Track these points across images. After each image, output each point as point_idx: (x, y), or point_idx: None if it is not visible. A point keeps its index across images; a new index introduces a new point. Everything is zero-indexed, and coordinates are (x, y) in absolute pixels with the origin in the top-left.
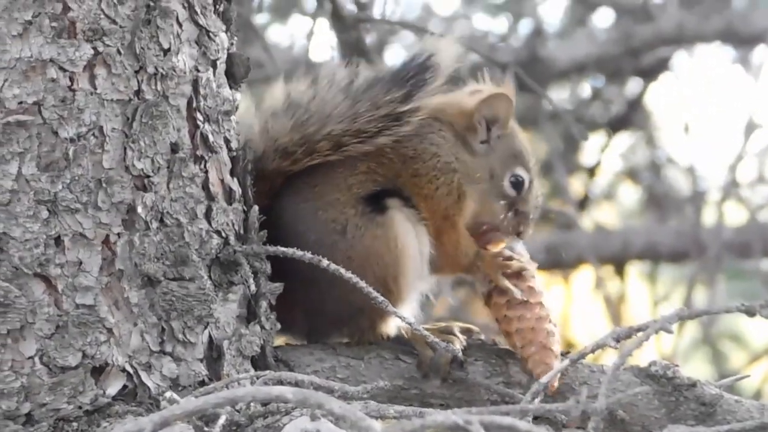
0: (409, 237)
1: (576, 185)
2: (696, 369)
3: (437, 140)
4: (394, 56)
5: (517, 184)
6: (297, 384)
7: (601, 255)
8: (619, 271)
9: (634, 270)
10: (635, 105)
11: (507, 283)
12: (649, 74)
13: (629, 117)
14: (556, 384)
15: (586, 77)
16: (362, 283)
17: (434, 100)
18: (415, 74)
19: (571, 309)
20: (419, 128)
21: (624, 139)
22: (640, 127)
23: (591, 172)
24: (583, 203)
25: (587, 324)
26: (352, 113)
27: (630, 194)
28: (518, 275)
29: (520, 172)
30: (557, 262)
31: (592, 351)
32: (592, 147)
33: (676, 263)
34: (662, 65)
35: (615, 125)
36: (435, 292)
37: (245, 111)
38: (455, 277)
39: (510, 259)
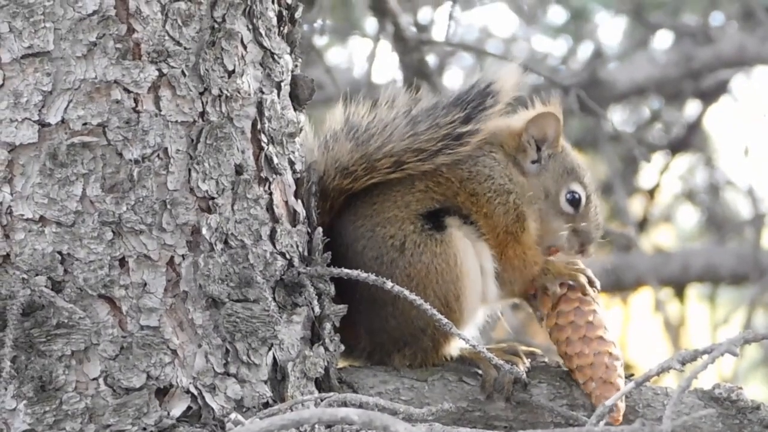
0: (469, 254)
1: (635, 207)
2: (756, 391)
3: (489, 162)
4: (453, 78)
5: (574, 200)
6: (361, 406)
7: (660, 277)
8: (679, 293)
9: (694, 292)
10: (694, 127)
11: (583, 280)
12: (708, 96)
13: (688, 139)
14: (620, 417)
15: (646, 99)
16: (426, 305)
17: (490, 125)
18: (476, 98)
19: (630, 331)
20: (472, 151)
21: (683, 161)
22: (699, 149)
23: (650, 194)
24: (643, 225)
25: (646, 346)
26: (412, 133)
27: (689, 216)
28: (578, 308)
29: (576, 188)
30: (617, 284)
31: (657, 374)
32: (652, 169)
33: (736, 286)
34: (721, 88)
35: (674, 147)
36: (494, 314)
37: (304, 134)
38: (525, 292)
39: (578, 268)
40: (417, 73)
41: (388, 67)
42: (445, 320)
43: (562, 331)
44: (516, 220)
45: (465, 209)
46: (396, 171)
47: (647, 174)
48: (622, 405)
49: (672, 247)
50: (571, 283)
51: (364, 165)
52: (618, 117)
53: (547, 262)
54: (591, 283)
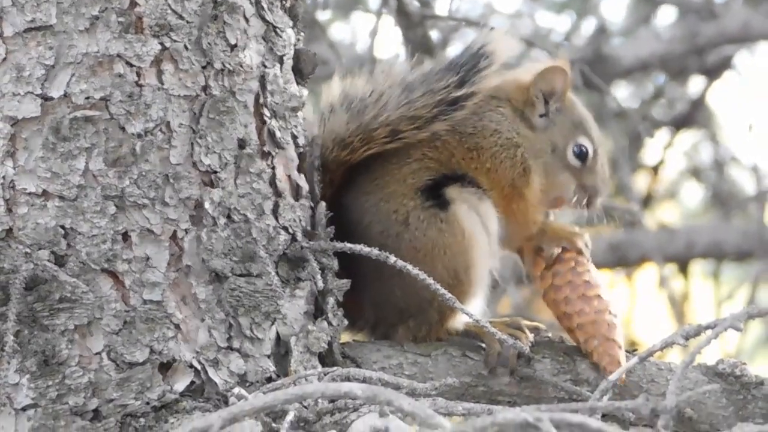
0: (476, 226)
1: (640, 184)
2: (760, 368)
3: (496, 117)
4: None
5: (581, 154)
6: (365, 380)
7: (665, 254)
8: (683, 270)
9: (698, 269)
10: (699, 103)
11: (580, 243)
12: (712, 73)
13: (693, 115)
14: (624, 376)
15: (651, 75)
16: (429, 279)
17: (490, 82)
18: (469, 61)
19: (635, 308)
20: (476, 108)
21: (687, 137)
22: (704, 126)
23: (654, 170)
24: (647, 202)
25: (651, 323)
26: (407, 100)
27: (693, 193)
28: (574, 268)
29: (583, 141)
30: (621, 260)
31: (661, 349)
32: (656, 145)
33: (741, 262)
34: (726, 64)
35: (678, 124)
36: (499, 290)
37: (306, 110)
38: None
39: (576, 233)
40: (420, 49)
41: (391, 43)
42: (448, 295)
43: (560, 290)
44: (522, 174)
45: (461, 170)
46: (393, 140)
47: (651, 150)
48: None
49: (676, 223)
50: (565, 245)
51: (361, 136)
52: (622, 93)
53: (545, 224)
54: (586, 245)
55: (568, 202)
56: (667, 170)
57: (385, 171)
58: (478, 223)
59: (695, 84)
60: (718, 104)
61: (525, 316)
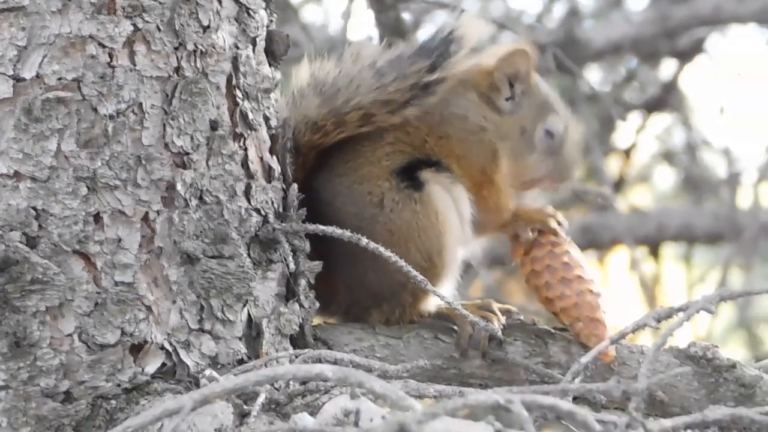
0: (449, 209)
1: (612, 167)
2: (731, 352)
3: (463, 103)
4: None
5: (550, 134)
6: (336, 362)
7: (636, 236)
8: (654, 252)
9: (669, 252)
10: (670, 87)
11: (553, 224)
12: (684, 56)
13: (664, 99)
14: (613, 353)
15: (622, 58)
16: (401, 262)
17: (459, 68)
18: (440, 46)
19: (606, 290)
20: (445, 94)
21: (659, 120)
22: (676, 109)
23: (626, 153)
24: (619, 185)
25: (622, 305)
26: (378, 84)
27: (665, 176)
28: (552, 251)
29: (552, 120)
30: (593, 243)
31: (633, 331)
32: (628, 129)
33: (712, 245)
34: (697, 47)
35: (650, 107)
36: (471, 273)
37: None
38: (497, 234)
39: (549, 213)
40: (393, 31)
41: (363, 25)
42: (420, 277)
43: (540, 276)
44: (492, 160)
45: (434, 155)
46: (365, 125)
47: (623, 134)
48: (612, 348)
49: (648, 206)
50: (539, 227)
51: (333, 120)
52: (594, 76)
53: (517, 209)
54: (560, 224)
55: (539, 182)
56: (639, 154)
57: (359, 153)
58: (451, 205)
59: (667, 67)
60: (689, 87)
61: (497, 298)
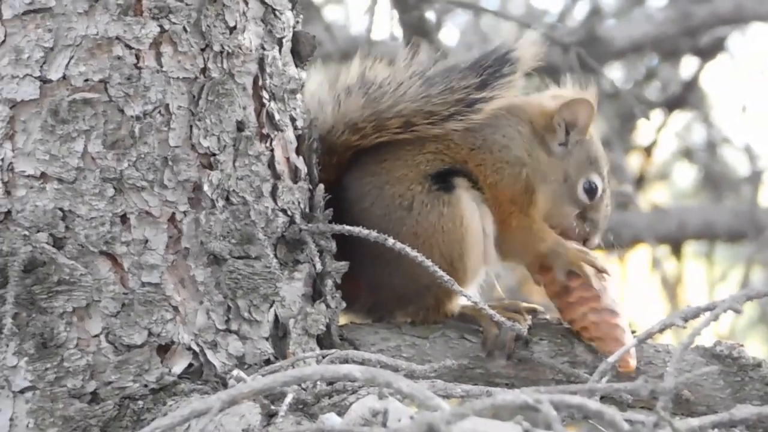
0: (474, 217)
1: (632, 165)
2: (753, 349)
3: (511, 133)
4: (449, 35)
5: (591, 190)
6: (363, 363)
7: (657, 235)
8: (676, 251)
9: (690, 250)
10: (691, 85)
11: (588, 271)
12: (705, 54)
13: (685, 97)
14: (633, 363)
15: (643, 57)
16: (428, 262)
17: (512, 97)
18: (493, 65)
19: (627, 289)
20: (493, 119)
21: (680, 118)
22: (696, 107)
23: (647, 151)
24: (640, 183)
25: (643, 304)
26: (425, 94)
27: (686, 174)
28: (582, 296)
29: (595, 179)
30: (614, 241)
31: (660, 331)
32: (648, 127)
33: (733, 243)
34: (718, 45)
35: (671, 105)
36: (494, 273)
37: (318, 87)
38: (532, 266)
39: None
40: (417, 31)
41: (386, 24)
42: (447, 277)
43: (577, 290)
44: (524, 192)
45: (474, 176)
46: (405, 132)
47: (644, 132)
48: (633, 360)
49: (668, 204)
50: (575, 270)
51: (374, 123)
52: (615, 75)
53: (560, 245)
54: (602, 271)
55: (567, 232)
56: (659, 151)
57: (397, 156)
58: (477, 215)
59: (688, 65)
60: (710, 85)
61: (518, 298)
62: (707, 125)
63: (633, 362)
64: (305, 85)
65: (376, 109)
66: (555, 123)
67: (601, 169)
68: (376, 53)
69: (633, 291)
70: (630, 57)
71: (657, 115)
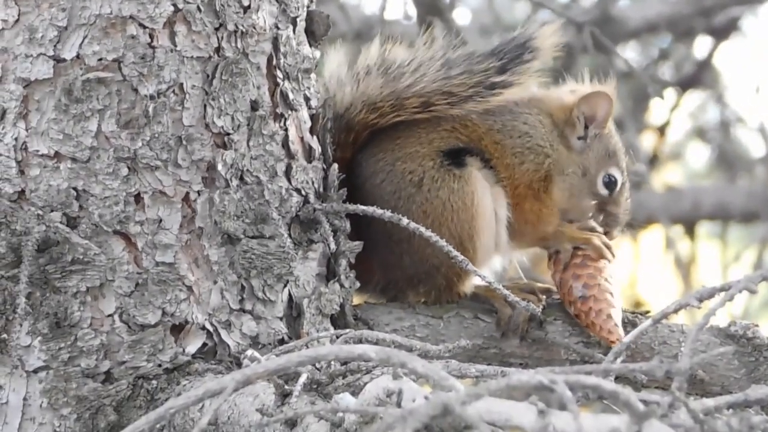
0: (486, 196)
1: (646, 144)
2: (766, 331)
3: (532, 121)
4: (462, 16)
5: (610, 184)
6: (378, 343)
7: (671, 215)
8: (690, 231)
9: (704, 231)
10: (705, 64)
11: (597, 242)
12: (719, 34)
13: (699, 76)
14: (619, 336)
15: (657, 37)
16: (441, 241)
17: (531, 87)
18: (514, 51)
19: (641, 269)
20: (514, 106)
21: (694, 98)
22: (710, 87)
23: (660, 131)
24: (653, 162)
25: (657, 284)
26: (445, 76)
27: (699, 154)
28: (584, 262)
29: (614, 172)
30: (627, 221)
31: (675, 311)
32: (662, 106)
33: (747, 224)
34: (732, 25)
35: (684, 84)
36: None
37: (337, 66)
38: (536, 247)
39: (593, 230)
40: (430, 10)
41: (400, 3)
42: (461, 257)
43: (566, 282)
44: (542, 180)
45: (488, 154)
46: (423, 112)
47: (658, 111)
48: (620, 328)
49: (683, 184)
50: (584, 246)
51: (392, 102)
52: (628, 54)
53: (562, 225)
54: (605, 245)
55: (582, 224)
56: (673, 131)
57: (411, 133)
58: (488, 195)
59: (702, 45)
60: (724, 65)
61: (530, 277)
62: (721, 105)
63: (618, 335)
64: (325, 65)
65: (395, 89)
66: (574, 117)
67: (621, 162)
68: (393, 34)
69: (646, 271)
70: (644, 37)
71: (671, 94)
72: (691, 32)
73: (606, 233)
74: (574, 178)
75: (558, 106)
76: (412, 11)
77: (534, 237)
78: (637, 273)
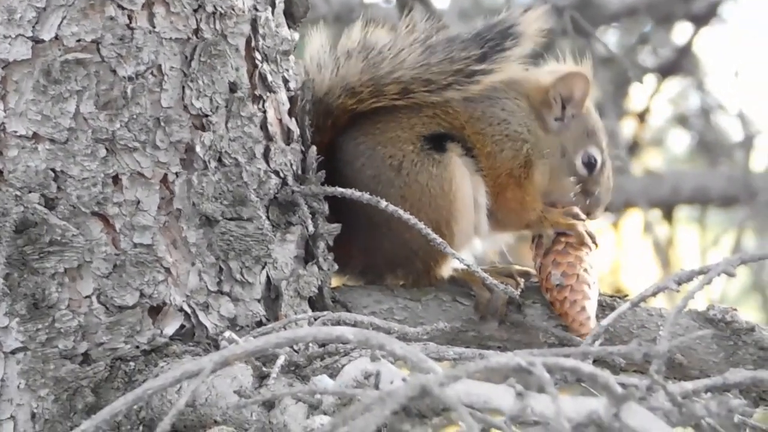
0: (465, 182)
1: (626, 130)
2: (746, 316)
3: (510, 106)
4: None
5: (590, 164)
6: (356, 325)
7: (650, 199)
8: (668, 215)
9: (683, 215)
10: (685, 50)
11: (581, 228)
12: (699, 20)
13: (679, 63)
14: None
15: (637, 22)
16: (420, 224)
17: (511, 71)
18: (495, 38)
19: (620, 253)
20: (492, 92)
21: (674, 84)
22: (690, 74)
23: (641, 117)
24: (633, 149)
25: (636, 268)
26: (425, 63)
27: (679, 140)
28: (565, 249)
29: (593, 151)
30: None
31: (654, 294)
32: (642, 92)
33: (726, 208)
34: (712, 11)
35: (664, 71)
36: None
37: (318, 49)
38: (519, 233)
39: (577, 216)
40: None
41: None
42: (439, 240)
43: (546, 268)
44: (523, 166)
45: (470, 143)
46: (402, 98)
47: (637, 97)
48: (592, 321)
49: (662, 169)
50: (567, 232)
51: (371, 88)
52: (608, 40)
53: (545, 211)
54: (588, 235)
55: (565, 205)
56: (653, 117)
57: (392, 117)
58: (468, 182)
59: (682, 31)
60: (704, 51)
61: (508, 261)
62: (701, 92)
63: (589, 327)
64: (306, 47)
65: (374, 75)
66: (551, 98)
67: (600, 142)
68: (375, 17)
69: (625, 256)
70: (624, 21)
71: (651, 81)
72: (670, 17)
73: (588, 214)
74: (553, 160)
75: (535, 88)
76: None
77: (517, 224)
78: (618, 259)
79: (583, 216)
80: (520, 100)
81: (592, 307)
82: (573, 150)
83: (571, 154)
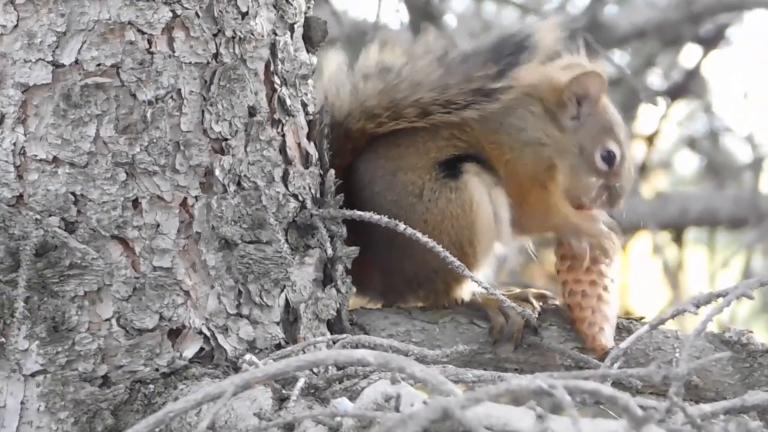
0: (484, 200)
1: (635, 153)
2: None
3: (525, 114)
4: (450, 21)
5: (609, 158)
6: (375, 347)
7: (659, 221)
8: (677, 237)
9: (692, 237)
10: (693, 73)
11: (606, 243)
12: (708, 42)
13: (687, 85)
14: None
15: (646, 44)
16: (438, 247)
17: (527, 77)
18: (512, 53)
19: (629, 275)
20: (509, 102)
21: (682, 107)
22: (698, 96)
23: (649, 140)
24: (642, 171)
25: (645, 291)
26: (442, 83)
27: (688, 162)
28: (594, 281)
29: (612, 146)
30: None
31: (672, 317)
32: (650, 115)
33: (734, 230)
34: (721, 33)
35: (673, 93)
36: (500, 258)
37: (335, 72)
38: (542, 235)
39: (605, 234)
40: (423, 15)
41: (392, 8)
42: (457, 262)
43: (567, 284)
44: (546, 170)
45: (485, 155)
46: (421, 120)
47: (646, 120)
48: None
49: (670, 191)
50: (590, 242)
51: (391, 111)
52: (617, 62)
53: (575, 216)
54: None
55: (589, 203)
56: (661, 140)
57: (411, 141)
58: (487, 199)
59: (690, 53)
60: (712, 74)
61: (520, 282)
62: (709, 115)
63: (605, 342)
64: (323, 70)
65: (393, 98)
66: (566, 98)
67: (618, 136)
68: (390, 39)
69: (634, 277)
70: (633, 44)
71: (660, 103)
72: (679, 39)
73: (611, 205)
74: (572, 158)
75: (548, 89)
76: (405, 17)
77: (542, 227)
78: (626, 281)
79: (606, 230)
80: (533, 106)
81: (610, 329)
82: (591, 147)
83: (590, 151)
